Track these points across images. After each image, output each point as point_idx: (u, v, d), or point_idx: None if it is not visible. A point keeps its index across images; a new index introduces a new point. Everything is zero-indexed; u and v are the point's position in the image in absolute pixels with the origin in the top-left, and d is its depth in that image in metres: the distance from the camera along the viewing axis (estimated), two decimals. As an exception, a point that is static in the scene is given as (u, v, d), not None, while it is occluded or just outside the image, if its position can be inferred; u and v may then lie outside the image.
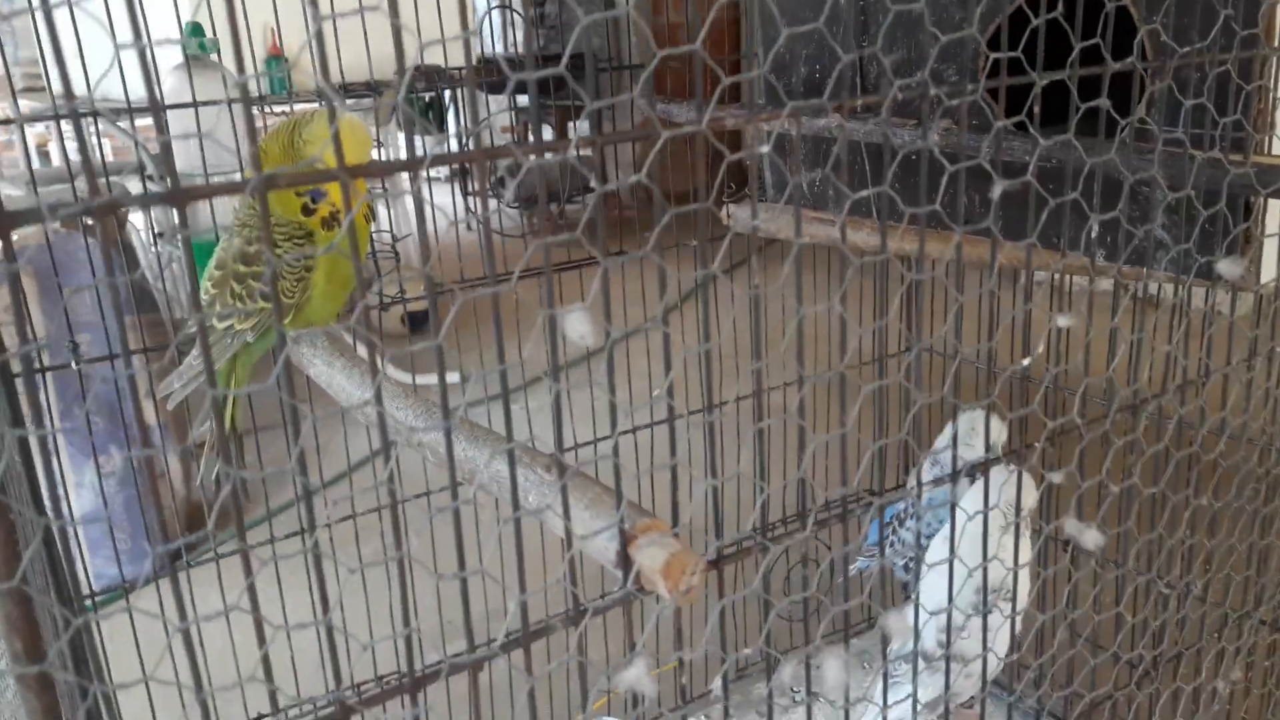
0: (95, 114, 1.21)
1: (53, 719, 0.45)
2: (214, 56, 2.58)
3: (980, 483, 0.70)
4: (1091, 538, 0.74)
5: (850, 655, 0.59)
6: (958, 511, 0.66)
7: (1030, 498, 0.92)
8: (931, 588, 0.74)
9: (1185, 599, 0.98)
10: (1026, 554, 1.04)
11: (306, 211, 1.00)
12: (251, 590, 0.46)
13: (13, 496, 0.41)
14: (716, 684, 0.61)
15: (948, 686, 0.82)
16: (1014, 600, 0.99)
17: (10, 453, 0.40)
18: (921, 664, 1.07)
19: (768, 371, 0.54)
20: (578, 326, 0.51)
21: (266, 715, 1.30)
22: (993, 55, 0.57)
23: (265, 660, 0.46)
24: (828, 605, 0.58)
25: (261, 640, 0.46)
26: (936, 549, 1.03)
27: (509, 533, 0.51)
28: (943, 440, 1.33)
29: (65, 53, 0.39)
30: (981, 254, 1.12)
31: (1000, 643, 1.00)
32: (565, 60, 0.41)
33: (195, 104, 1.12)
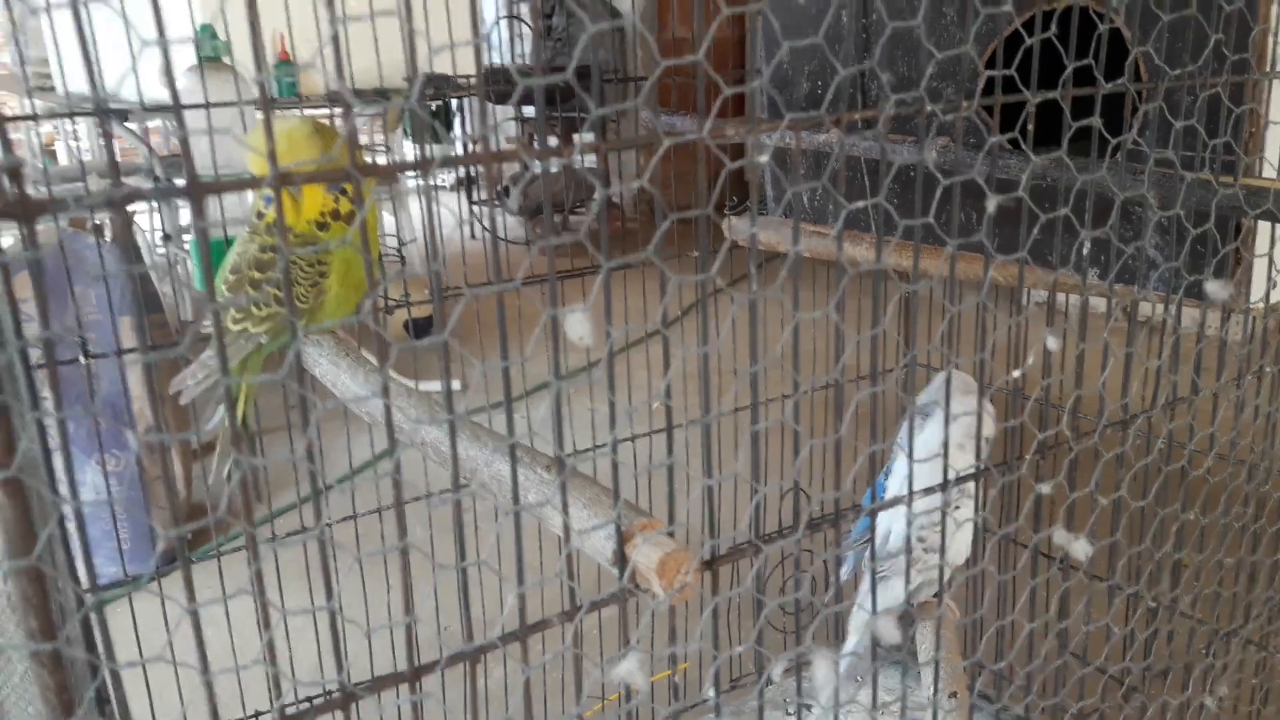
0: (110, 112, 1.23)
1: (65, 697, 0.47)
2: (226, 59, 2.61)
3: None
4: (1081, 548, 0.76)
5: (839, 660, 0.61)
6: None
7: (989, 429, 0.97)
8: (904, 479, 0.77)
9: (1173, 614, 1.00)
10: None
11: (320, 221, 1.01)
12: (257, 575, 0.47)
13: (27, 476, 0.43)
14: (711, 691, 0.63)
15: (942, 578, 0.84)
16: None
17: (29, 435, 0.42)
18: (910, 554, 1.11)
19: (765, 383, 0.55)
20: (578, 327, 0.53)
21: (265, 713, 1.30)
22: (987, 73, 0.59)
23: (269, 646, 0.48)
24: (818, 605, 0.59)
25: (266, 624, 0.48)
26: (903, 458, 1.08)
27: (508, 531, 0.53)
28: (925, 396, 1.35)
29: (85, 51, 0.41)
30: (976, 270, 1.14)
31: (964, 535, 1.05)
32: (572, 68, 0.42)
33: (208, 104, 1.14)
